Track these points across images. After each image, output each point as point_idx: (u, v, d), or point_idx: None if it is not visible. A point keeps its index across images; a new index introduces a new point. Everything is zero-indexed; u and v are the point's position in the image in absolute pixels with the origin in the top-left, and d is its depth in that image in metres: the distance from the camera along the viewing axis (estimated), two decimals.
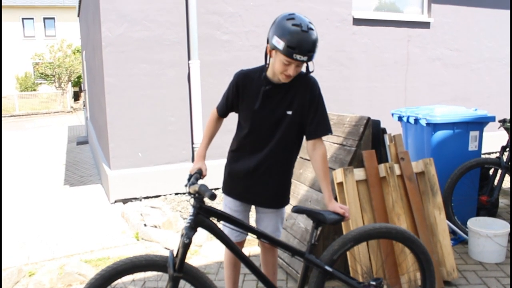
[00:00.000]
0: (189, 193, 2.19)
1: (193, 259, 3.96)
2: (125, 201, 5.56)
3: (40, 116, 23.47)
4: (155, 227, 4.57)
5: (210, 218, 2.23)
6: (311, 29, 2.18)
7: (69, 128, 16.49)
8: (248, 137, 2.52)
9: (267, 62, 2.39)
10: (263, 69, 2.42)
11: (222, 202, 2.80)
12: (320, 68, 6.47)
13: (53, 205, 5.69)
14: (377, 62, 6.99)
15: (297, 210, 2.36)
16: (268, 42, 2.28)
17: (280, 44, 2.15)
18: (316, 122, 2.42)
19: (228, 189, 2.69)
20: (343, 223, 3.24)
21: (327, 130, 2.44)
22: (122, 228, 4.71)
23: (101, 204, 5.64)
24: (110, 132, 5.49)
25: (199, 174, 2.38)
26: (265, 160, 2.49)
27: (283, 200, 2.66)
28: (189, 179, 2.27)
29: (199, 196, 2.16)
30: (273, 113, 2.44)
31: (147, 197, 5.62)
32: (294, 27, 2.14)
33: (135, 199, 5.59)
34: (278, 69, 2.26)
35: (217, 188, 5.87)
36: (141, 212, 5.01)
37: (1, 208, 5.28)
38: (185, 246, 2.12)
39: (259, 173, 2.52)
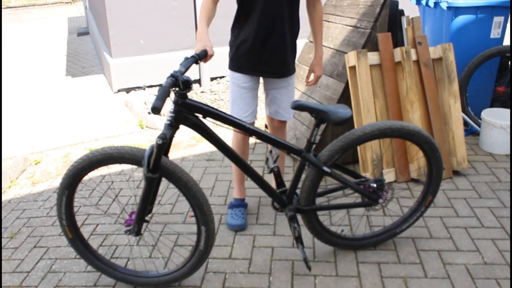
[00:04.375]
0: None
1: (199, 146, 3.92)
2: (128, 90, 5.43)
3: (37, 7, 22.59)
4: (159, 114, 4.49)
5: (195, 114, 2.00)
6: None
7: (68, 19, 15.88)
8: (255, 5, 2.36)
9: None
10: None
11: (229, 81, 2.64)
12: None
13: (56, 96, 5.57)
14: None
15: (298, 106, 2.09)
16: None
17: None
18: None
19: (236, 64, 2.56)
20: (355, 120, 3.11)
21: None
22: (126, 117, 4.63)
23: (104, 94, 5.52)
24: (109, 19, 5.19)
25: (198, 56, 2.02)
26: (275, 24, 2.38)
27: (292, 67, 2.60)
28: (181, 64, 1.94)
29: (181, 90, 1.90)
30: None
31: (151, 86, 5.47)
32: None
33: (139, 88, 5.45)
34: None
35: (223, 76, 5.72)
36: (145, 100, 4.91)
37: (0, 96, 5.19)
38: (159, 147, 1.89)
39: (270, 39, 2.41)
